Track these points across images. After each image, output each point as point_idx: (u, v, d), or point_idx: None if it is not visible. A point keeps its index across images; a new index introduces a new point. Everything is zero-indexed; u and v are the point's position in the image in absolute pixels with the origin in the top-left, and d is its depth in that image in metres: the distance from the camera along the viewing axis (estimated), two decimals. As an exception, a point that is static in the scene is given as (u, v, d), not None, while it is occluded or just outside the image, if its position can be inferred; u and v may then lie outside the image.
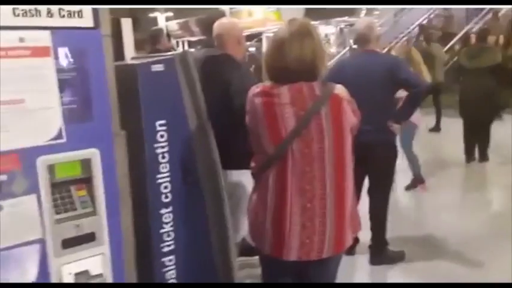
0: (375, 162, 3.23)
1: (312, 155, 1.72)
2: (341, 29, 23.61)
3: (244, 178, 2.41)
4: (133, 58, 2.43)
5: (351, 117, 1.78)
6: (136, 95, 1.95)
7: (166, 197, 2.07)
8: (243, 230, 2.73)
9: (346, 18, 21.90)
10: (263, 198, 1.82)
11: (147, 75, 1.96)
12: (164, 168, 2.05)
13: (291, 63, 1.71)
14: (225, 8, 19.84)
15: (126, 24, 2.40)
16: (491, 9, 12.29)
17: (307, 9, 19.30)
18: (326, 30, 23.61)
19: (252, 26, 19.85)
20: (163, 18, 23.94)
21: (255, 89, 1.80)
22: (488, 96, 5.45)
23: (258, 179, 1.87)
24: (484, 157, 5.83)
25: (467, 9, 13.32)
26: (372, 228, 3.41)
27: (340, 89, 1.78)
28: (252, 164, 1.88)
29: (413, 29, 14.38)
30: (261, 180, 1.84)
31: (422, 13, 14.82)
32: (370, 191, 3.40)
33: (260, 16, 19.50)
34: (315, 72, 1.75)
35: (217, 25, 2.74)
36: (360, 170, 3.23)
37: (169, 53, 2.08)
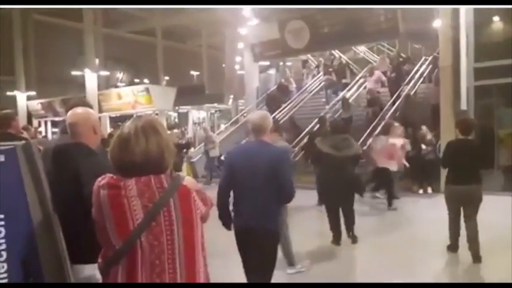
0: (257, 247, 3.29)
1: (162, 247, 1.70)
2: (211, 114, 24.73)
3: (98, 272, 2.26)
4: (-30, 147, 2.22)
5: (200, 207, 1.81)
6: (-32, 188, 1.78)
7: (3, 301, 1.85)
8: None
9: (215, 104, 23.10)
10: None
11: (-17, 166, 1.81)
12: (1, 268, 1.85)
13: (137, 157, 1.73)
14: (93, 91, 19.52)
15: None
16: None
17: (177, 95, 19.95)
18: (199, 114, 24.61)
19: (121, 108, 19.72)
20: (24, 97, 22.52)
21: (101, 180, 1.76)
22: (350, 182, 5.99)
23: (106, 275, 1.77)
24: (353, 239, 6.13)
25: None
26: None
27: (188, 180, 1.82)
28: (99, 260, 1.80)
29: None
30: (109, 276, 1.75)
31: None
32: (250, 278, 3.38)
33: (130, 99, 19.50)
34: (162, 165, 1.78)
35: (70, 114, 2.68)
36: (247, 249, 3.30)
37: (11, 143, 1.96)
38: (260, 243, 3.29)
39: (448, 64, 10.52)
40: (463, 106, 10.01)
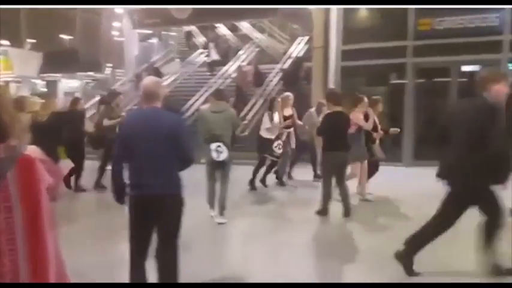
0: (162, 215, 3.19)
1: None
2: (86, 83, 23.15)
3: None
4: None
5: (46, 178, 1.64)
6: None
7: None
8: None
9: (91, 73, 21.65)
10: None
11: None
12: None
13: None
14: None
15: None
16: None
17: (45, 61, 18.15)
18: (72, 83, 22.81)
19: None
20: None
21: None
22: None
23: None
24: None
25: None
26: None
27: (31, 149, 1.63)
28: None
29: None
30: None
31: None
32: (159, 248, 3.22)
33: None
34: (4, 133, 1.55)
35: None
36: (148, 223, 3.16)
37: None
38: (167, 211, 3.21)
39: (321, 45, 11.26)
40: (331, 85, 10.90)
